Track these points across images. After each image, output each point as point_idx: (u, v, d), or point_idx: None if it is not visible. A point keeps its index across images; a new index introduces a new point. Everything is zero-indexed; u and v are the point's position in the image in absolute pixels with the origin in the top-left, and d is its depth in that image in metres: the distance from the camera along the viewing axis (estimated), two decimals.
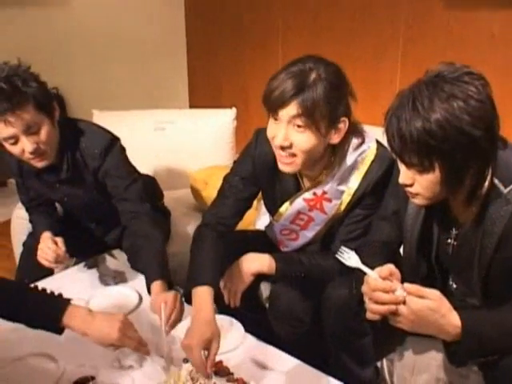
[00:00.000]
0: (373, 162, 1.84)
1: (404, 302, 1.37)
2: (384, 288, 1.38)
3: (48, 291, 1.72)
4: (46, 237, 2.18)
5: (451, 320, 1.38)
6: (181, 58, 4.52)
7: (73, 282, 2.20)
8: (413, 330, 1.41)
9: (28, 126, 1.99)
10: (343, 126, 1.73)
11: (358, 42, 3.35)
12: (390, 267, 1.42)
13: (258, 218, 2.85)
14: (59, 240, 2.15)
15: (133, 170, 2.37)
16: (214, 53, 4.31)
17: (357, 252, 1.51)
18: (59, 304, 1.66)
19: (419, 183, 1.43)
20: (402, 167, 1.46)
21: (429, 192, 1.45)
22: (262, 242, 2.17)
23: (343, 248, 1.48)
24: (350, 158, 1.83)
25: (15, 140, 2.02)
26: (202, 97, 4.50)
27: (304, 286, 1.95)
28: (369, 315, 1.42)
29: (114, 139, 2.27)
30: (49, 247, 2.11)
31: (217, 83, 4.36)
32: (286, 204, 1.97)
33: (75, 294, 2.10)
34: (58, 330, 1.64)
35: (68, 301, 1.67)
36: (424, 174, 1.40)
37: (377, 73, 3.32)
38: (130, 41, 4.08)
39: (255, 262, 1.96)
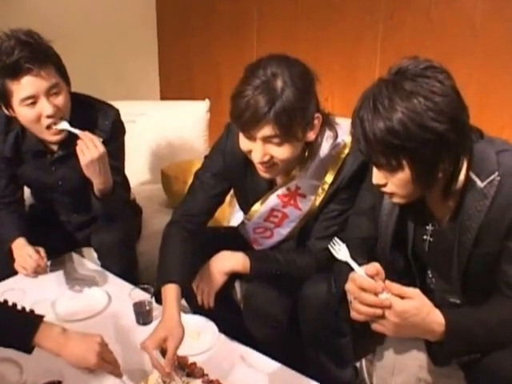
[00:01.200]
0: (347, 155, 1.86)
1: (389, 307, 1.37)
2: (370, 288, 1.38)
3: (19, 306, 1.67)
4: (24, 244, 2.13)
5: (435, 318, 1.40)
6: (151, 47, 4.49)
7: (38, 283, 2.17)
8: (396, 334, 1.41)
9: (51, 85, 2.04)
10: (317, 121, 1.76)
11: (336, 30, 3.35)
12: (376, 266, 1.43)
13: (232, 215, 2.85)
14: (41, 250, 2.09)
15: (124, 156, 2.40)
16: (186, 42, 4.29)
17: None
18: (31, 322, 1.62)
19: (392, 183, 1.47)
20: (373, 168, 1.49)
21: (403, 190, 1.48)
22: (235, 239, 2.18)
23: (336, 239, 1.49)
24: (323, 151, 1.84)
25: (34, 100, 2.04)
26: (173, 88, 4.47)
27: (280, 285, 1.96)
28: (354, 315, 1.42)
29: (118, 111, 2.33)
30: (30, 255, 2.05)
31: (189, 74, 4.35)
32: (259, 203, 1.98)
33: (41, 295, 2.11)
34: (28, 349, 1.60)
35: (40, 318, 1.63)
36: (394, 173, 1.43)
37: (355, 61, 3.33)
38: (97, 29, 4.04)
39: (229, 261, 1.96)
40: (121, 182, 2.31)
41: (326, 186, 1.88)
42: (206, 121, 3.37)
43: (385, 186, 1.49)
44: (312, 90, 1.71)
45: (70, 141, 2.17)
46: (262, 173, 1.79)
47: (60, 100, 2.07)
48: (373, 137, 1.37)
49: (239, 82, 1.67)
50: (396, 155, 1.38)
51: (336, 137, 1.84)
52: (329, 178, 1.87)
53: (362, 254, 1.66)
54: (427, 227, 1.65)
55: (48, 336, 1.60)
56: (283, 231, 2.02)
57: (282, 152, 1.71)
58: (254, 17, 3.79)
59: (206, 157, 2.07)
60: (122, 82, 4.19)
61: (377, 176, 1.49)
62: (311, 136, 1.76)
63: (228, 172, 1.98)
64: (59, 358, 1.60)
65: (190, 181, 2.07)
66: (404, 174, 1.41)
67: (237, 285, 2.26)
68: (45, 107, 2.04)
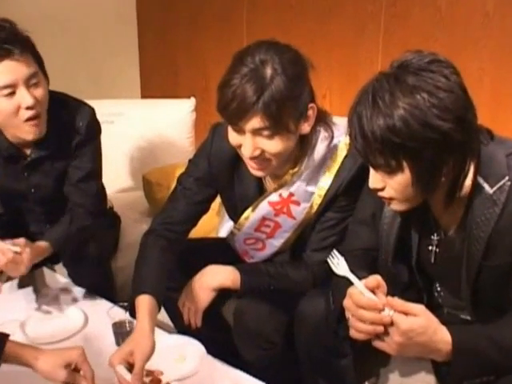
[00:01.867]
0: (345, 157, 1.87)
1: (391, 323, 1.38)
2: (369, 305, 1.39)
3: None
4: None
5: (442, 336, 1.40)
6: (131, 40, 4.48)
7: (4, 302, 2.18)
8: (399, 353, 1.43)
9: (31, 73, 2.04)
10: (312, 112, 1.77)
11: (334, 20, 3.36)
12: (377, 278, 1.44)
13: (221, 225, 2.84)
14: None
15: (101, 158, 2.41)
16: (170, 35, 4.30)
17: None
18: None
19: (390, 186, 1.48)
20: (370, 170, 1.51)
21: (402, 195, 1.49)
22: (224, 252, 2.18)
23: (334, 251, 1.51)
24: (318, 153, 1.86)
25: (13, 90, 2.03)
26: (155, 85, 4.47)
27: (274, 301, 1.97)
28: (353, 334, 1.44)
29: (93, 110, 2.33)
30: None
31: (173, 69, 4.35)
32: (249, 210, 2.00)
33: (7, 315, 2.10)
34: None
35: (6, 336, 1.64)
36: (393, 175, 1.44)
37: (356, 54, 3.34)
38: (71, 21, 4.04)
39: (217, 276, 1.97)
40: (95, 191, 2.35)
41: (323, 192, 1.89)
42: (191, 121, 3.38)
43: (382, 189, 1.50)
44: (305, 78, 1.73)
45: (46, 142, 2.18)
46: (254, 170, 1.81)
47: (40, 92, 2.08)
48: (371, 135, 1.39)
49: (226, 70, 1.71)
50: (396, 155, 1.39)
51: (332, 137, 1.85)
52: (325, 184, 1.89)
53: (364, 267, 1.67)
54: (432, 237, 1.66)
55: (19, 347, 1.62)
56: (276, 242, 2.03)
57: (273, 145, 1.72)
58: (243, 7, 3.80)
59: (189, 160, 2.09)
60: (99, 78, 4.19)
61: (374, 178, 1.50)
62: (305, 128, 1.78)
63: (213, 177, 2.00)
64: (33, 369, 1.60)
65: None
66: (404, 177, 1.43)
67: (227, 302, 2.26)
68: (24, 97, 2.04)
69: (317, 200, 1.91)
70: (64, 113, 2.25)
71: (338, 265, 1.48)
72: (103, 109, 3.21)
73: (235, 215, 2.06)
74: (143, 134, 3.33)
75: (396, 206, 1.55)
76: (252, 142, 1.72)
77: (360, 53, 3.33)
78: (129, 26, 4.46)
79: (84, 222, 2.27)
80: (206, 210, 2.09)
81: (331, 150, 1.87)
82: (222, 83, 1.69)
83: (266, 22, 3.67)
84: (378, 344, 1.42)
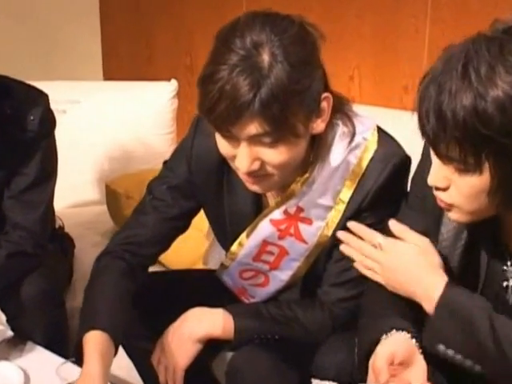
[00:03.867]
0: (372, 160, 1.88)
1: None
2: None
3: None
4: None
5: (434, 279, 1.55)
6: (90, 4, 4.51)
7: None
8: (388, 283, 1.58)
9: None
10: (326, 104, 1.78)
11: None
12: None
13: (210, 253, 2.85)
14: None
15: (56, 159, 2.47)
16: None
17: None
18: None
19: (457, 187, 1.46)
20: (434, 161, 1.48)
21: (470, 203, 1.47)
22: (214, 289, 2.19)
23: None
24: (334, 154, 1.87)
25: None
26: (123, 64, 4.50)
27: (280, 355, 1.96)
28: None
29: (47, 98, 2.37)
30: None
31: (147, 43, 4.37)
32: (244, 233, 2.00)
33: None
34: None
35: None
36: (466, 174, 1.42)
37: (395, 19, 3.34)
38: None
39: (203, 322, 1.99)
40: (44, 204, 2.38)
41: (342, 207, 1.90)
42: (172, 110, 3.40)
43: (445, 190, 1.49)
44: (314, 61, 1.74)
45: None
46: (251, 185, 1.83)
47: None
48: (451, 116, 1.35)
49: (208, 58, 1.71)
50: (477, 151, 1.36)
51: (354, 133, 1.86)
52: (345, 195, 1.89)
53: (405, 313, 1.66)
54: (509, 267, 1.64)
55: None
56: (283, 275, 2.04)
57: (276, 155, 1.73)
58: None
59: (164, 163, 2.11)
60: (47, 53, 4.22)
61: (437, 173, 1.48)
62: (318, 126, 1.79)
63: (195, 186, 2.03)
64: None
65: None
66: (479, 179, 1.40)
67: (218, 356, 2.27)
68: None
69: (335, 217, 1.92)
70: (8, 104, 2.27)
71: None
72: (53, 94, 3.22)
73: (225, 239, 2.08)
74: (107, 128, 3.34)
75: (455, 216, 1.54)
76: (249, 153, 1.72)
77: (401, 18, 3.34)
78: None
79: (18, 248, 2.29)
80: (182, 228, 2.11)
81: (353, 151, 1.87)
82: (204, 76, 1.69)
83: None
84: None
